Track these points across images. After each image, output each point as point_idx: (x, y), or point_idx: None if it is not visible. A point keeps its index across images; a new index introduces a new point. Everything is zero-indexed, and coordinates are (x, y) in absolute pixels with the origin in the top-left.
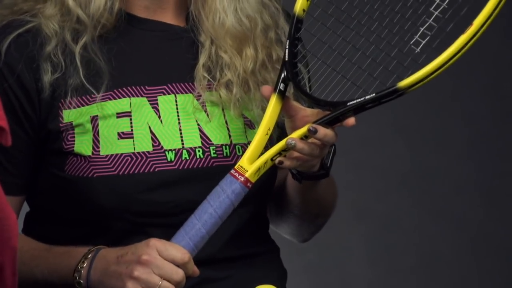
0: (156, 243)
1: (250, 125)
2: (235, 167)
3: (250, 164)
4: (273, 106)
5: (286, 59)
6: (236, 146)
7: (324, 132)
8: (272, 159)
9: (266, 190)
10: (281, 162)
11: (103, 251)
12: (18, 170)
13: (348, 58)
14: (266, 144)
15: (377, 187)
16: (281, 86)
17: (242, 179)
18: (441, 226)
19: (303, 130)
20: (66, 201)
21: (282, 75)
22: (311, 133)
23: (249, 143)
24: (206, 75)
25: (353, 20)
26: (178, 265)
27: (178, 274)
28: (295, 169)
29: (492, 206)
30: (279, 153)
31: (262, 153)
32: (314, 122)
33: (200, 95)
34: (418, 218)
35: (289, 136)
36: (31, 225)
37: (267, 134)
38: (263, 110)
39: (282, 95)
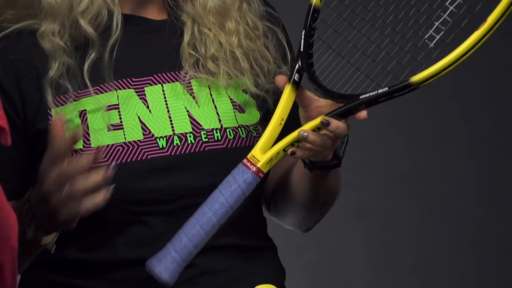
0: (46, 168)
1: (240, 109)
2: (248, 156)
3: (262, 154)
4: (287, 96)
5: (302, 49)
6: (227, 130)
7: (336, 124)
8: (284, 150)
9: (261, 181)
10: (293, 153)
11: (32, 198)
12: (8, 176)
13: (363, 51)
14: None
15: (377, 186)
16: (296, 76)
17: (254, 169)
18: (441, 226)
19: (315, 122)
20: None
21: (297, 66)
22: (324, 125)
23: (240, 126)
24: (192, 52)
25: (369, 12)
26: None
27: (79, 159)
28: (307, 159)
29: (492, 205)
30: (292, 144)
31: (274, 143)
32: (326, 115)
33: (187, 74)
34: (418, 218)
35: (301, 128)
36: None
37: (280, 124)
38: (256, 84)
39: (297, 85)
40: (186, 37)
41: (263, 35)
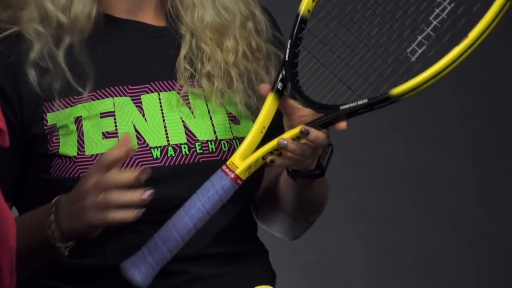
0: (91, 173)
1: (235, 120)
2: (227, 163)
3: (242, 161)
4: (269, 104)
5: (287, 58)
6: (222, 142)
7: (316, 134)
8: (263, 158)
9: (254, 187)
10: (272, 161)
11: (62, 199)
12: (4, 177)
13: (346, 62)
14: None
15: (374, 187)
16: (279, 85)
17: (233, 175)
18: (439, 226)
19: (295, 131)
20: None
21: (281, 75)
22: (303, 134)
23: (234, 138)
24: (188, 66)
25: (355, 24)
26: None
27: (122, 175)
28: (291, 167)
29: (490, 206)
30: (271, 152)
31: (254, 151)
32: (307, 124)
33: (182, 87)
34: (416, 218)
35: (281, 136)
36: None
37: (261, 132)
38: (248, 103)
39: (280, 94)
40: (183, 51)
41: (265, 58)
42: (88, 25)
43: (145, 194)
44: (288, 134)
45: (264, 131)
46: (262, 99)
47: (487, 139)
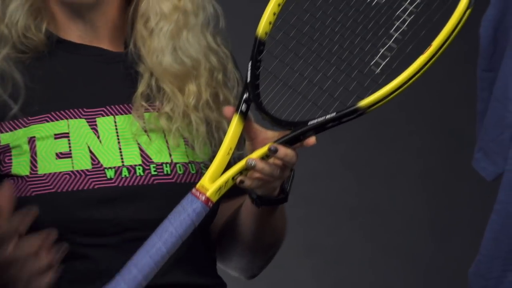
0: None
1: (191, 145)
2: (196, 186)
3: (211, 183)
4: (234, 126)
5: (248, 80)
6: (177, 165)
7: (284, 151)
8: (233, 178)
9: (211, 215)
10: (242, 181)
11: None
12: None
13: (309, 79)
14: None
15: (326, 222)
16: (243, 107)
17: (204, 198)
18: (393, 260)
19: (263, 150)
20: None
21: (244, 96)
22: (272, 152)
23: (190, 162)
24: (144, 103)
25: (315, 42)
26: None
27: (28, 244)
28: (254, 194)
29: (443, 239)
30: (240, 173)
31: (223, 173)
32: (275, 141)
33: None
34: (370, 253)
35: (249, 156)
36: None
37: (228, 154)
38: (207, 145)
39: (244, 116)
40: (141, 88)
41: None
42: (39, 37)
43: (58, 254)
44: (256, 154)
45: (231, 152)
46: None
47: (439, 174)
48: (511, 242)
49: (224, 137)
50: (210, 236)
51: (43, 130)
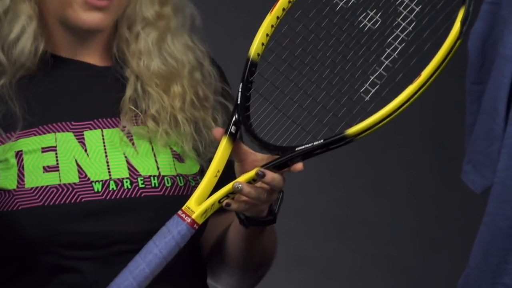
0: None
1: (179, 158)
2: (182, 208)
3: (197, 206)
4: (223, 148)
5: (239, 102)
6: (165, 178)
7: (272, 176)
8: (219, 201)
9: (199, 231)
10: (228, 205)
11: None
12: None
13: (299, 104)
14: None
15: (316, 234)
16: (232, 128)
17: (189, 220)
18: (382, 273)
19: (251, 174)
20: None
21: (234, 118)
22: (259, 177)
23: (178, 175)
24: (132, 107)
25: (306, 66)
26: None
27: None
28: (243, 214)
29: (432, 251)
30: (227, 196)
31: (210, 195)
32: (262, 166)
33: (125, 127)
34: (359, 265)
35: (236, 180)
36: None
37: (216, 176)
38: (195, 146)
39: (233, 137)
40: (128, 92)
41: (213, 107)
42: (34, 61)
43: None
44: (243, 177)
45: (218, 174)
46: (210, 147)
47: (428, 186)
48: (500, 254)
49: (211, 135)
50: (200, 251)
51: (31, 144)
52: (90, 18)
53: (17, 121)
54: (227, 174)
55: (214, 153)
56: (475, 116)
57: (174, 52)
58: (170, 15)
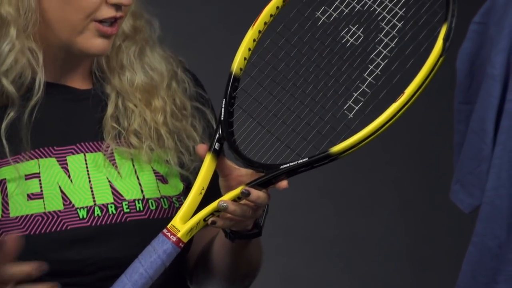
0: None
1: (162, 179)
2: (168, 226)
3: (182, 224)
4: (207, 165)
5: (222, 118)
6: (149, 201)
7: (257, 194)
8: (205, 220)
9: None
10: (214, 222)
11: None
12: None
13: (283, 120)
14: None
15: (304, 252)
16: (216, 145)
17: (174, 239)
18: None
19: (236, 192)
20: None
21: (218, 134)
22: (244, 195)
23: (162, 197)
24: (115, 125)
25: (289, 82)
26: None
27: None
28: (228, 229)
29: (421, 270)
30: (212, 214)
31: (195, 213)
32: (247, 184)
33: (109, 147)
34: (348, 283)
35: (221, 198)
36: None
37: (200, 193)
38: (180, 161)
39: (217, 154)
40: (110, 110)
41: (191, 115)
42: (21, 92)
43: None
44: (228, 196)
45: (203, 192)
46: (195, 156)
47: (417, 205)
48: (488, 274)
49: (193, 144)
50: (184, 264)
51: (13, 171)
52: (99, 44)
53: (2, 148)
54: (212, 190)
55: (198, 162)
56: (463, 135)
57: (154, 63)
58: (144, 27)
